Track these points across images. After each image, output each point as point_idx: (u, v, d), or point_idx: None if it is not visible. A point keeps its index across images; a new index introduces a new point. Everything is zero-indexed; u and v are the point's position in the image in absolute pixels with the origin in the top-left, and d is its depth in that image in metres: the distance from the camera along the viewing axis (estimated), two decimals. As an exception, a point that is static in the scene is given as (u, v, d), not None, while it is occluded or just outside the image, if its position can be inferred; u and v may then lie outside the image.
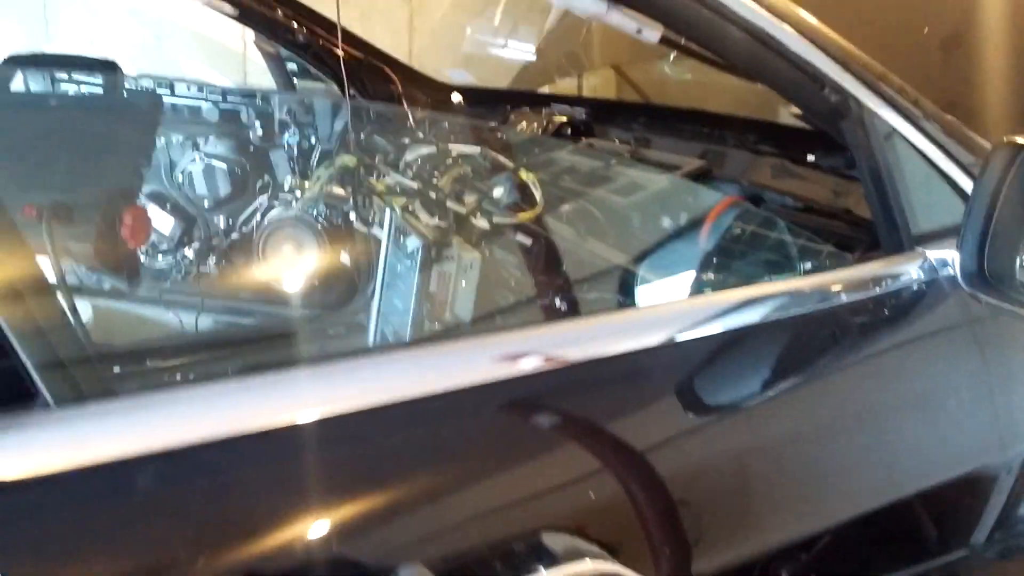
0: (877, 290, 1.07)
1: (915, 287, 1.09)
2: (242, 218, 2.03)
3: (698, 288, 1.28)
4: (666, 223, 1.46)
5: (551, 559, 0.71)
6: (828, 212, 1.44)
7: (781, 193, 1.56)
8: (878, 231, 1.14)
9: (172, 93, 2.04)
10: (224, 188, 2.04)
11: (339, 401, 0.72)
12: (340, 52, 2.07)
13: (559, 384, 0.82)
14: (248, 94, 2.11)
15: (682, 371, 0.91)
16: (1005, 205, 1.01)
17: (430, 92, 2.38)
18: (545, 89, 2.96)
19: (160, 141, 1.98)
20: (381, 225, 1.63)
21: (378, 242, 1.63)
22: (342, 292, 1.97)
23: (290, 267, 1.97)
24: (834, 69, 1.06)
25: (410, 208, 1.54)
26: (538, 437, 0.81)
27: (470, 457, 0.76)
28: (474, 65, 3.38)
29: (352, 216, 1.73)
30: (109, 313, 1.85)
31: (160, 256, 2.03)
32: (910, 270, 1.10)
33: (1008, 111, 2.22)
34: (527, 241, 1.46)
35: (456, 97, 2.38)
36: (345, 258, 1.95)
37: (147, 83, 2.03)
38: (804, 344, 1.02)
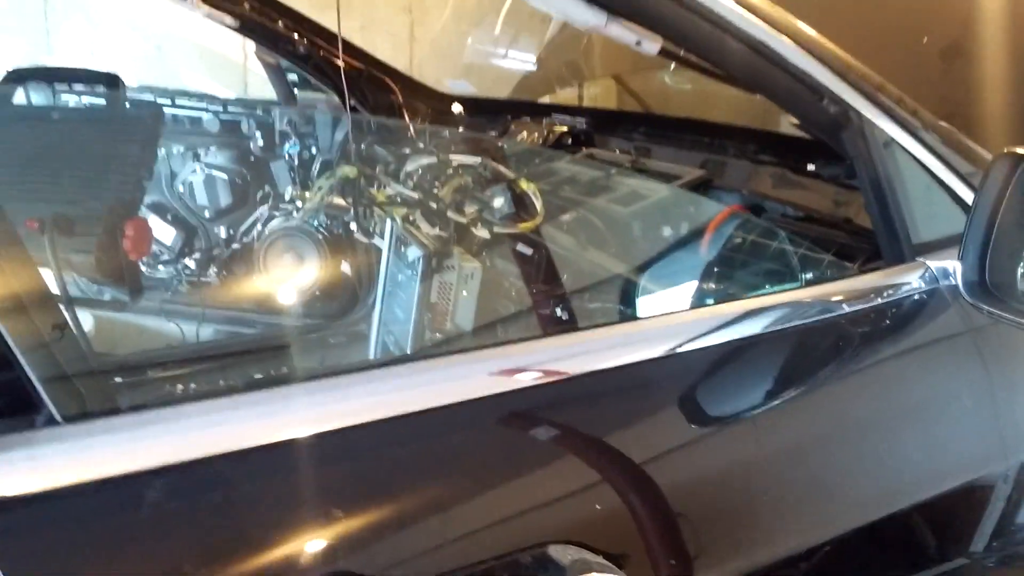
0: (878, 300, 1.07)
1: (916, 297, 1.09)
2: (243, 229, 2.04)
3: (699, 298, 1.29)
4: (667, 233, 1.46)
5: (558, 571, 0.71)
6: (829, 222, 1.44)
7: (782, 203, 1.56)
8: (879, 241, 1.14)
9: (173, 104, 2.05)
10: (225, 199, 2.05)
11: (344, 415, 0.72)
12: (341, 63, 2.08)
13: (563, 397, 0.82)
14: (249, 105, 2.11)
15: (684, 383, 0.91)
16: (1006, 216, 1.01)
17: (431, 102, 2.38)
18: (546, 99, 2.96)
19: (161, 152, 1.98)
20: (382, 235, 1.63)
21: (379, 252, 1.63)
22: (343, 302, 1.97)
23: (291, 277, 1.97)
24: (833, 80, 1.06)
25: (411, 218, 1.55)
26: (544, 450, 0.81)
27: (476, 470, 0.76)
28: (475, 75, 3.39)
29: (353, 226, 1.74)
30: (111, 324, 1.85)
31: (162, 267, 2.03)
32: (911, 280, 1.10)
33: (1008, 121, 2.22)
34: (528, 251, 1.46)
35: (457, 107, 2.38)
36: (346, 268, 1.95)
37: (148, 95, 2.04)
38: (805, 355, 1.03)
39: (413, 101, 2.34)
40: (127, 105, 1.95)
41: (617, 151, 1.96)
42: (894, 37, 2.42)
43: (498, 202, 1.50)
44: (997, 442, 1.13)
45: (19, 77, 1.84)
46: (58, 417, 0.64)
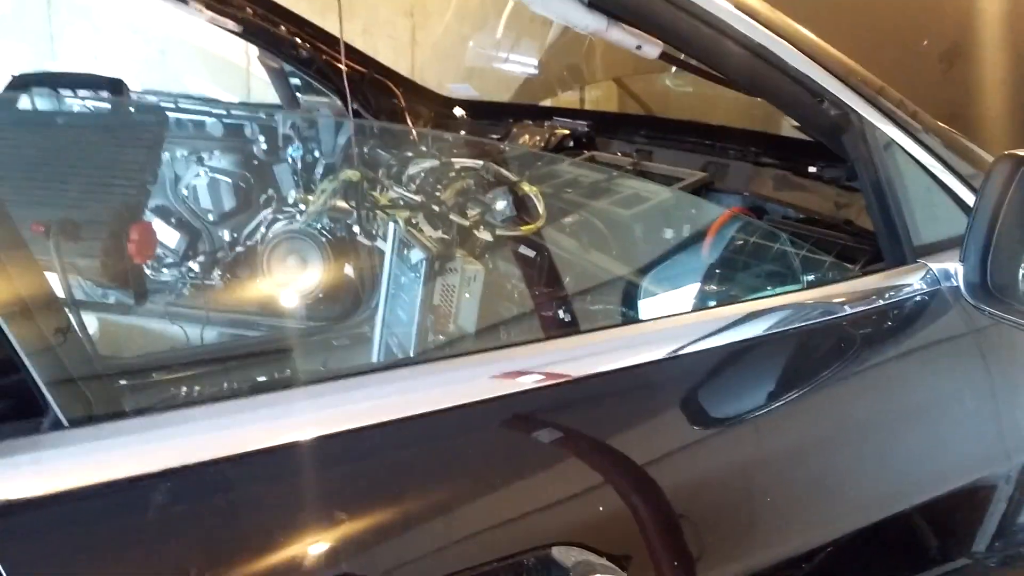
0: (880, 302, 1.07)
1: (918, 299, 1.10)
2: (247, 232, 2.04)
3: (701, 300, 1.29)
4: (668, 236, 1.46)
5: (561, 573, 0.72)
6: (830, 224, 1.44)
7: (783, 205, 1.56)
8: (880, 243, 1.14)
9: (177, 109, 2.06)
10: (229, 202, 2.06)
11: (348, 418, 0.72)
12: (343, 67, 2.08)
13: (566, 399, 0.83)
14: (252, 109, 2.12)
15: (686, 385, 0.92)
16: (1007, 217, 1.01)
17: (433, 106, 2.39)
18: (547, 102, 2.97)
19: (165, 156, 1.99)
20: (385, 238, 1.64)
21: (382, 255, 1.64)
22: (346, 305, 1.98)
23: (295, 280, 1.98)
24: (833, 83, 1.07)
25: (413, 221, 1.55)
26: (547, 452, 0.81)
27: (480, 472, 0.77)
28: (476, 79, 3.40)
29: (356, 229, 1.74)
30: (116, 328, 1.86)
31: (166, 270, 2.04)
32: (913, 282, 1.10)
33: (1008, 123, 2.22)
34: (530, 254, 1.47)
35: (458, 111, 2.39)
36: (349, 271, 1.96)
37: (152, 99, 2.05)
38: (807, 356, 1.03)
39: (415, 104, 2.35)
40: (131, 109, 1.96)
41: (619, 154, 1.96)
42: (894, 40, 2.42)
43: (500, 205, 1.51)
44: (999, 443, 1.13)
45: (24, 82, 1.85)
46: (63, 420, 0.65)
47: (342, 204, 1.73)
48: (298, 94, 2.34)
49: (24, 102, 1.80)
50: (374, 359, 1.67)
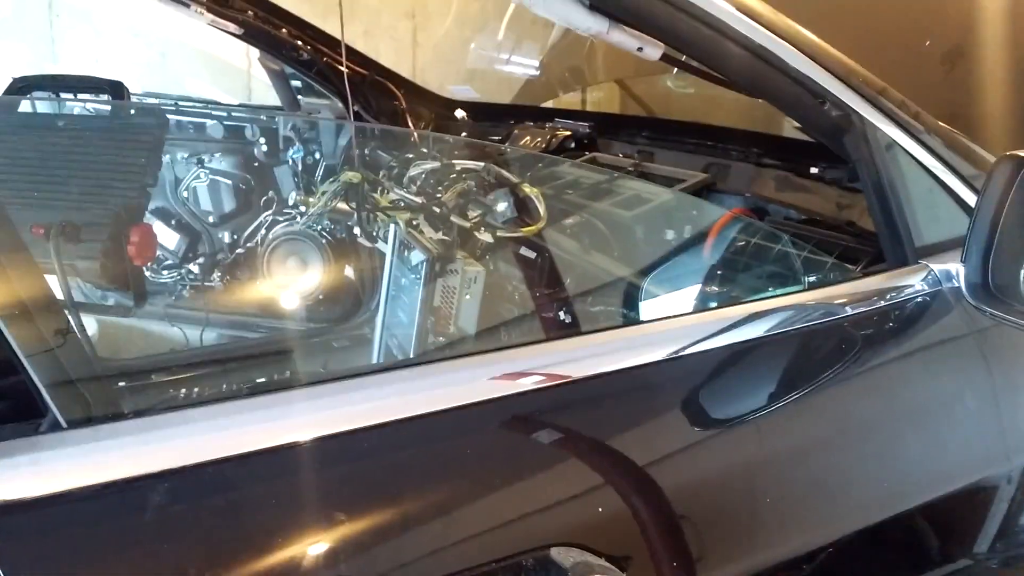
0: (881, 303, 1.07)
1: (919, 299, 1.10)
2: (247, 234, 2.04)
3: (702, 302, 1.29)
4: (670, 237, 1.46)
5: (560, 574, 0.71)
6: (832, 225, 1.44)
7: (785, 206, 1.56)
8: (882, 244, 1.14)
9: (178, 111, 2.06)
10: (229, 204, 2.06)
11: (347, 419, 0.72)
12: (344, 69, 2.09)
13: (566, 400, 0.82)
14: (253, 111, 2.12)
15: (688, 386, 0.92)
16: (1009, 218, 1.01)
17: (434, 107, 2.39)
18: (549, 103, 2.97)
19: (166, 158, 1.99)
20: (385, 240, 1.64)
21: (383, 257, 1.64)
22: (347, 307, 1.98)
23: (295, 282, 1.98)
24: (835, 85, 1.07)
25: (414, 223, 1.55)
26: (547, 453, 0.81)
27: (479, 473, 0.76)
28: (478, 80, 3.40)
29: (357, 231, 1.74)
30: (116, 330, 1.86)
31: (166, 272, 2.04)
32: (914, 282, 1.10)
33: (1010, 124, 2.22)
34: (531, 255, 1.47)
35: (460, 112, 2.39)
36: (350, 273, 1.96)
37: (153, 101, 2.05)
38: (809, 357, 1.03)
39: (416, 106, 2.35)
40: (132, 112, 1.96)
41: (620, 155, 1.96)
42: (896, 41, 2.42)
43: (501, 206, 1.50)
44: (1000, 444, 1.13)
45: (25, 85, 1.86)
46: (62, 422, 0.65)
47: (343, 206, 1.73)
48: (299, 96, 2.34)
49: (25, 104, 1.80)
50: (374, 361, 1.67)
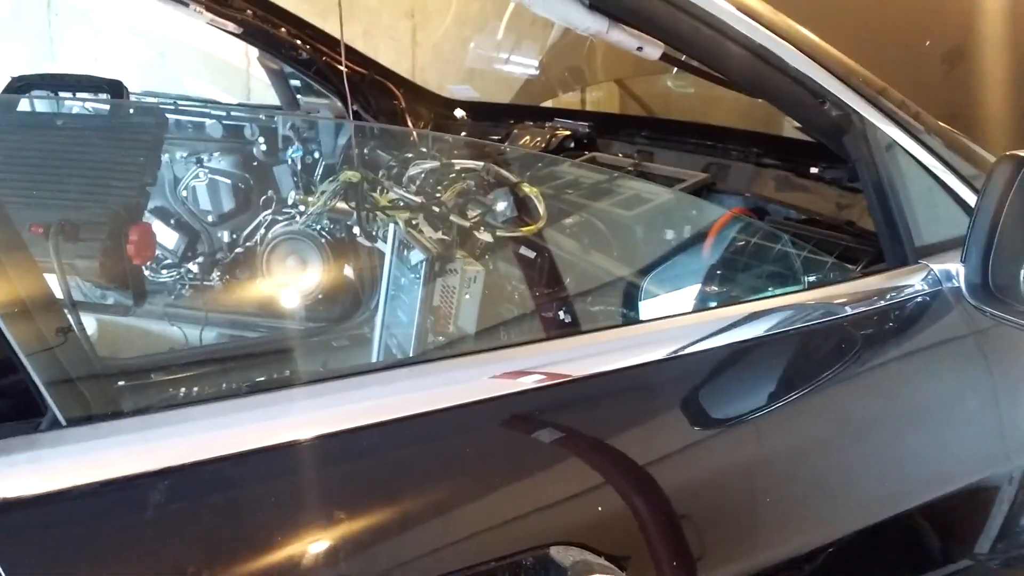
0: (881, 303, 1.07)
1: (919, 299, 1.10)
2: (246, 233, 2.04)
3: (702, 301, 1.29)
4: (669, 236, 1.46)
5: (560, 573, 0.71)
6: (831, 224, 1.44)
7: (785, 205, 1.56)
8: (882, 243, 1.14)
9: (177, 110, 2.06)
10: (228, 204, 2.06)
11: (347, 418, 0.72)
12: (343, 68, 2.08)
13: (566, 399, 0.82)
14: (252, 111, 2.12)
15: (687, 385, 0.91)
16: (1009, 218, 1.01)
17: (433, 107, 2.39)
18: (548, 103, 2.97)
19: (165, 158, 1.99)
20: (385, 239, 1.63)
21: (382, 256, 1.64)
22: (346, 306, 1.98)
23: (294, 282, 1.97)
24: (835, 84, 1.07)
25: (414, 222, 1.55)
26: (547, 452, 0.81)
27: (479, 472, 0.76)
28: (477, 80, 3.40)
29: (356, 230, 1.74)
30: (115, 328, 1.86)
31: (165, 271, 2.04)
32: (914, 282, 1.10)
33: (1010, 124, 2.22)
34: (530, 255, 1.46)
35: (459, 112, 2.39)
36: (349, 272, 1.96)
37: (152, 100, 2.05)
38: (808, 357, 1.03)
39: (416, 106, 2.35)
40: (131, 111, 1.96)
41: (620, 155, 1.96)
42: (896, 41, 2.42)
43: (501, 206, 1.50)
44: (1001, 444, 1.13)
45: (24, 84, 1.85)
46: (62, 420, 0.65)
47: (342, 205, 1.73)
48: (298, 95, 2.34)
49: (24, 103, 1.80)
50: (374, 360, 1.67)
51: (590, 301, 1.43)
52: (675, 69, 2.48)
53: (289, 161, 2.01)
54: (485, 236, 1.49)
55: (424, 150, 1.81)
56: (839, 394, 1.00)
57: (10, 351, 0.65)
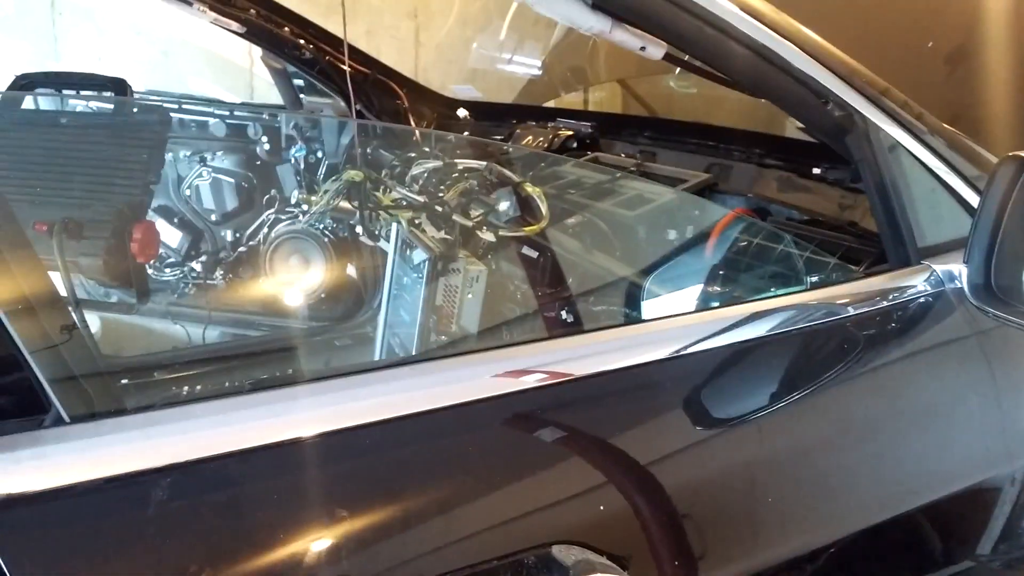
0: (884, 303, 1.07)
1: (922, 300, 1.09)
2: (249, 232, 2.04)
3: (704, 301, 1.29)
4: (672, 236, 1.46)
5: (561, 572, 0.71)
6: (834, 225, 1.44)
7: (787, 206, 1.56)
8: (884, 244, 1.14)
9: (180, 109, 2.06)
10: (232, 203, 2.06)
11: (349, 416, 0.72)
12: (346, 68, 2.09)
13: (568, 398, 0.82)
14: (255, 110, 2.12)
15: (689, 385, 0.92)
16: (1012, 219, 1.01)
17: (436, 107, 2.39)
18: (551, 103, 2.97)
19: (168, 156, 2.00)
20: (388, 239, 1.64)
21: (385, 255, 1.64)
22: (349, 305, 1.98)
23: (297, 280, 1.98)
24: (837, 85, 1.06)
25: (416, 222, 1.55)
26: (549, 450, 0.81)
27: (481, 470, 0.77)
28: (480, 80, 3.40)
29: (359, 230, 1.74)
30: (119, 326, 1.86)
31: (168, 270, 2.04)
32: (917, 283, 1.10)
33: (1013, 125, 2.22)
34: (533, 254, 1.47)
35: (462, 112, 2.39)
36: (352, 271, 1.96)
37: (155, 99, 2.05)
38: (811, 357, 1.03)
39: (418, 105, 2.35)
40: (134, 110, 1.96)
41: (622, 155, 1.96)
42: (899, 41, 2.42)
43: (503, 206, 1.51)
44: (1003, 445, 1.13)
45: (28, 82, 1.86)
46: (66, 417, 0.65)
47: (345, 204, 1.74)
48: (301, 95, 2.34)
49: (28, 101, 1.80)
50: (376, 359, 1.67)
51: (592, 300, 1.43)
52: (678, 69, 2.48)
53: (292, 160, 2.01)
54: (488, 236, 1.50)
55: (427, 150, 1.81)
56: (841, 394, 1.00)
57: (14, 348, 0.65)
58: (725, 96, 2.24)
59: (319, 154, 2.01)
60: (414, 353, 1.50)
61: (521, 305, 1.49)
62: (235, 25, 1.98)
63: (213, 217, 2.07)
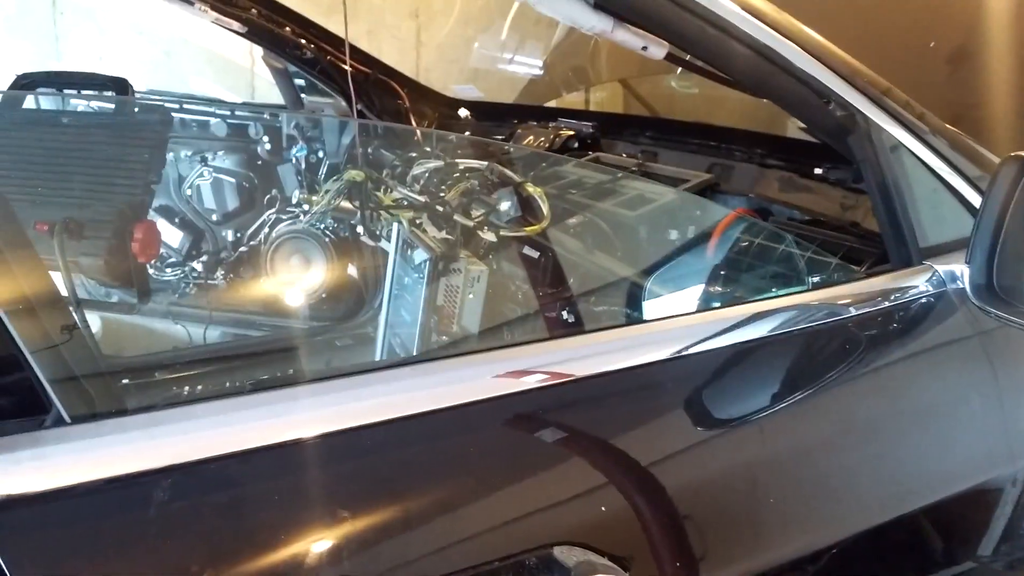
0: (886, 303, 1.07)
1: (924, 300, 1.09)
2: (250, 232, 2.04)
3: (706, 301, 1.29)
4: (673, 237, 1.46)
5: (563, 573, 0.71)
6: (836, 225, 1.44)
7: (789, 206, 1.56)
8: (886, 244, 1.14)
9: (181, 109, 2.06)
10: (233, 203, 2.06)
11: (350, 416, 0.72)
12: (348, 67, 2.09)
13: (569, 398, 0.82)
14: (256, 110, 2.12)
15: (691, 385, 0.91)
16: (1014, 219, 1.01)
17: (437, 107, 2.39)
18: (552, 103, 2.97)
19: (170, 156, 1.99)
20: (389, 239, 1.64)
21: (386, 255, 1.64)
22: (350, 305, 1.98)
23: (298, 280, 1.98)
24: (839, 85, 1.06)
25: (417, 222, 1.55)
26: (550, 451, 0.81)
27: (482, 471, 0.76)
28: (481, 80, 3.40)
29: (360, 230, 1.74)
30: (119, 326, 1.86)
31: (169, 270, 2.04)
32: (919, 283, 1.10)
33: (1015, 125, 2.22)
34: (534, 254, 1.46)
35: (463, 111, 2.39)
36: (353, 271, 1.96)
37: (156, 99, 2.05)
38: (812, 358, 1.02)
39: (420, 105, 2.35)
40: (136, 109, 1.96)
41: (623, 155, 1.96)
42: (901, 41, 2.42)
43: (504, 206, 1.50)
44: (1005, 445, 1.12)
45: (30, 81, 1.86)
46: (66, 417, 0.65)
47: (346, 204, 1.74)
48: (302, 95, 2.34)
49: (30, 101, 1.80)
50: (377, 359, 1.67)
51: (593, 301, 1.43)
52: (679, 69, 2.47)
53: (293, 160, 2.01)
54: (489, 236, 1.50)
55: (428, 149, 1.81)
56: (843, 395, 1.00)
57: (15, 348, 0.65)
58: (727, 96, 2.24)
59: (320, 154, 2.01)
60: (415, 353, 1.50)
61: (522, 305, 1.49)
62: (236, 25, 1.98)
63: (214, 217, 2.07)
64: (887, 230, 1.13)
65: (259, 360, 1.69)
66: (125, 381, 1.40)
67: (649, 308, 1.31)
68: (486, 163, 1.64)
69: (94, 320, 1.79)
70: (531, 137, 2.11)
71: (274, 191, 2.05)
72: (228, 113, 2.07)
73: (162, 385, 1.52)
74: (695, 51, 1.11)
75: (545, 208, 1.48)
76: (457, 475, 0.75)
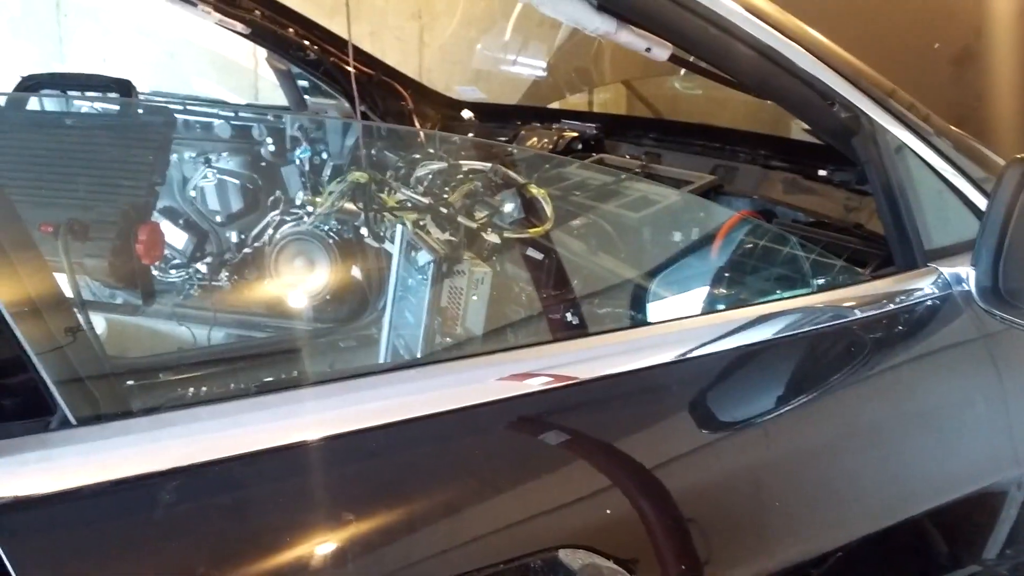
0: (890, 306, 1.07)
1: (929, 303, 1.09)
2: (254, 233, 2.04)
3: (710, 304, 1.28)
4: (677, 239, 1.46)
5: (568, 576, 0.71)
6: (840, 227, 1.44)
7: (793, 208, 1.56)
8: (891, 247, 1.14)
9: (185, 110, 2.07)
10: (236, 204, 2.06)
11: (354, 419, 0.72)
12: (351, 69, 2.09)
13: (574, 401, 0.82)
14: (260, 111, 2.13)
15: (695, 388, 0.91)
16: (1019, 222, 1.01)
17: (440, 108, 2.39)
18: (555, 104, 2.97)
19: (173, 158, 2.00)
20: (392, 240, 1.64)
21: (389, 257, 1.64)
22: (354, 307, 1.98)
23: (302, 282, 1.98)
24: (844, 86, 1.06)
25: (421, 223, 1.55)
26: (555, 454, 0.81)
27: (487, 474, 0.76)
28: (484, 81, 3.40)
29: (363, 231, 1.74)
30: (124, 328, 1.86)
31: (174, 271, 2.04)
32: (924, 286, 1.09)
33: (1020, 126, 2.21)
34: (537, 256, 1.46)
35: (466, 113, 2.39)
36: (356, 273, 1.96)
37: (160, 101, 2.05)
38: (817, 360, 1.02)
39: (423, 107, 2.35)
40: (139, 111, 1.97)
41: (627, 156, 1.96)
42: (905, 43, 2.42)
43: (508, 207, 1.50)
44: (1010, 448, 1.12)
45: (34, 83, 1.86)
46: (72, 419, 0.65)
47: (350, 206, 1.73)
48: (306, 96, 2.35)
49: (34, 102, 1.81)
50: (381, 361, 1.67)
51: (597, 303, 1.43)
52: (683, 70, 2.47)
53: (297, 162, 2.01)
54: (492, 237, 1.49)
55: (431, 151, 1.81)
56: (848, 398, 1.00)
57: (20, 350, 0.65)
58: (730, 97, 2.24)
59: (324, 155, 2.01)
60: (419, 355, 1.50)
61: (526, 307, 1.49)
62: (240, 26, 1.98)
63: (218, 218, 2.07)
64: (892, 232, 1.13)
65: (263, 362, 1.69)
66: (130, 382, 1.40)
67: (653, 310, 1.31)
68: (490, 165, 1.64)
69: (99, 321, 1.79)
70: (535, 139, 2.11)
71: (278, 193, 2.05)
72: (232, 115, 2.07)
73: (167, 386, 1.52)
74: (699, 52, 1.11)
75: (549, 210, 1.48)
76: (462, 478, 0.75)
